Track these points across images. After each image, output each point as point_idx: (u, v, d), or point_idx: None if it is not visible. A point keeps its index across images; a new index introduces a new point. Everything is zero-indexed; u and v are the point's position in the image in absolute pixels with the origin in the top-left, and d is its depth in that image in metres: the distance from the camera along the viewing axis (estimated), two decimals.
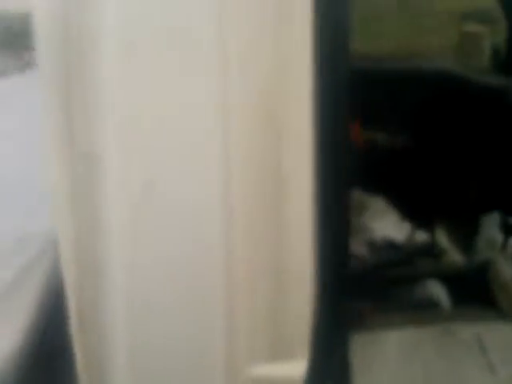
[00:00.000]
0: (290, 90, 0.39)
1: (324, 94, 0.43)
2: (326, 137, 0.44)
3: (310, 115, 0.42)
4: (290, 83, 0.39)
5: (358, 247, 1.60)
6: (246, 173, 0.37)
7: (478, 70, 2.04)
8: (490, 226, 1.47)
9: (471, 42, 2.12)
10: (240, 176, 0.37)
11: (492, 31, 2.05)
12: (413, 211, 1.54)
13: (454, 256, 1.50)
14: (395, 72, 2.04)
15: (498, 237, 1.44)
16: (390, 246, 1.61)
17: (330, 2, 0.44)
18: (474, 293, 1.44)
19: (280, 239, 0.42)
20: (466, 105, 1.98)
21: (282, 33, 0.38)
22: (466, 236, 1.61)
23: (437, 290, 1.42)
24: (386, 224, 1.70)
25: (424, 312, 1.34)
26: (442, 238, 1.58)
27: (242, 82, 0.37)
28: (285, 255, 0.43)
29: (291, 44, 0.39)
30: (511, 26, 1.93)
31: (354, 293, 1.40)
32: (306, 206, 0.42)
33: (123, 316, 0.37)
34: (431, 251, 1.53)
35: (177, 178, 0.36)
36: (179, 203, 0.36)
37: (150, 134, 0.42)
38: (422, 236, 1.56)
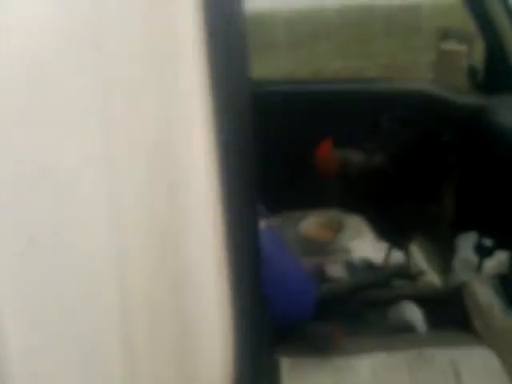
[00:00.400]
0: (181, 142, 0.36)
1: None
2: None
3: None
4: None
5: (335, 268, 1.58)
6: (138, 224, 0.34)
7: (456, 88, 2.05)
8: (466, 247, 1.45)
9: (450, 61, 2.12)
10: (132, 225, 0.34)
11: (470, 50, 2.05)
12: (390, 232, 1.52)
13: (431, 278, 1.48)
14: (373, 92, 2.04)
15: (474, 258, 1.42)
16: (368, 267, 1.59)
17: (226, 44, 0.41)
18: (450, 316, 1.41)
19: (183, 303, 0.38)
20: (444, 124, 1.97)
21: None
22: (443, 257, 1.60)
23: (413, 313, 1.39)
24: (364, 245, 1.68)
25: (399, 336, 1.31)
26: (420, 259, 1.56)
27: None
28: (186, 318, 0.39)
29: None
30: (489, 46, 1.94)
31: (326, 316, 1.38)
32: (209, 261, 0.39)
33: (12, 367, 0.33)
34: (408, 273, 1.51)
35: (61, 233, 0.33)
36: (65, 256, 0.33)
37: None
38: (398, 257, 1.54)
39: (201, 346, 0.39)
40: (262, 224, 1.26)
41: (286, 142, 1.96)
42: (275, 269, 1.25)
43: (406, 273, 1.50)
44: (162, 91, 0.33)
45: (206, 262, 0.38)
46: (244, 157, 0.44)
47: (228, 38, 0.38)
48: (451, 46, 2.09)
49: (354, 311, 1.40)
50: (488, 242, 1.38)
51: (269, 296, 1.26)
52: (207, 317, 0.38)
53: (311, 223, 1.79)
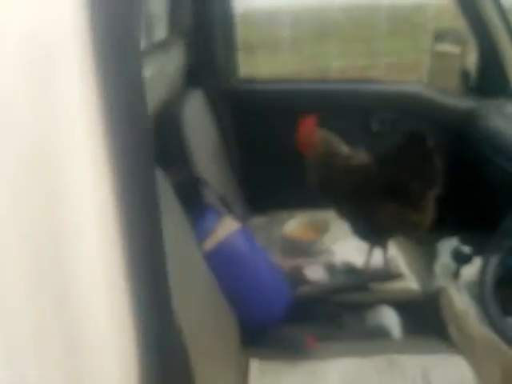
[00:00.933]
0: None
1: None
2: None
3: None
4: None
5: (314, 270, 1.57)
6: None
7: (448, 91, 2.02)
8: (445, 253, 1.43)
9: (443, 63, 2.09)
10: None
11: (464, 52, 2.02)
12: (369, 231, 1.50)
13: (410, 282, 1.46)
14: (365, 94, 2.02)
15: (452, 265, 1.40)
16: (349, 269, 1.57)
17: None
18: (426, 321, 1.39)
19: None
20: (433, 127, 1.95)
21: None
22: (423, 262, 1.58)
23: (389, 318, 1.38)
24: (347, 247, 1.66)
25: (372, 341, 1.29)
26: (400, 264, 1.54)
27: None
28: None
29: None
30: (481, 48, 1.91)
31: (301, 319, 1.37)
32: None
33: None
34: (387, 277, 1.49)
35: None
36: None
37: None
38: (379, 261, 1.52)
39: (97, 361, 0.38)
40: (236, 225, 1.25)
41: (274, 142, 1.95)
42: (248, 270, 1.24)
43: (385, 277, 1.48)
44: (40, 102, 0.32)
45: (95, 274, 0.37)
46: (140, 162, 0.43)
47: (118, 45, 0.37)
48: (445, 47, 2.06)
49: (331, 314, 1.39)
50: (466, 249, 1.35)
51: (241, 298, 1.25)
52: (99, 330, 0.37)
53: (296, 224, 1.77)
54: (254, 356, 1.21)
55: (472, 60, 2.00)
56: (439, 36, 2.13)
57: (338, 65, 6.06)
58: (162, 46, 1.58)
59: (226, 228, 1.19)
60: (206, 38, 1.84)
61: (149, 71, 1.33)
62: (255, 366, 1.20)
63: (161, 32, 1.67)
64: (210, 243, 1.16)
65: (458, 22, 2.27)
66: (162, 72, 1.49)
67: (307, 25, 6.42)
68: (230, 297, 1.17)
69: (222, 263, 1.17)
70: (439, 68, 2.09)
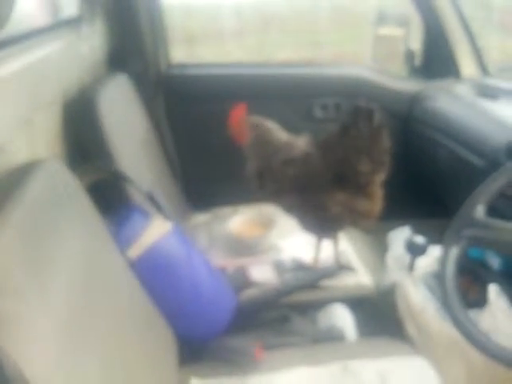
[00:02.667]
0: None
1: None
2: None
3: None
4: None
5: (261, 270, 1.43)
6: None
7: (393, 74, 1.92)
8: (398, 244, 1.32)
9: (386, 46, 2.00)
10: None
11: (407, 34, 1.93)
12: (319, 229, 1.37)
13: (363, 278, 1.35)
14: (306, 77, 1.89)
15: (405, 256, 1.29)
16: (298, 266, 1.44)
17: None
18: (382, 319, 1.29)
19: None
20: (379, 111, 1.84)
21: None
22: (375, 255, 1.47)
23: (342, 317, 1.26)
24: (295, 243, 1.53)
25: (324, 346, 1.17)
26: (351, 258, 1.42)
27: None
28: None
29: None
30: (428, 29, 1.82)
31: (247, 327, 1.23)
32: None
33: None
34: (338, 272, 1.36)
35: None
36: None
37: None
38: (329, 255, 1.40)
39: None
40: (167, 226, 1.09)
41: (214, 132, 1.79)
42: (183, 278, 1.08)
43: (336, 272, 1.35)
44: None
45: None
46: None
47: None
48: (387, 30, 1.96)
49: (279, 318, 1.26)
50: (420, 239, 1.25)
51: (177, 310, 1.10)
52: None
53: (240, 220, 1.63)
54: (195, 374, 1.06)
55: (416, 41, 1.91)
56: (381, 19, 2.04)
57: (283, 55, 5.99)
58: (70, 24, 1.38)
59: (156, 231, 1.03)
60: (128, 18, 1.65)
61: (54, 50, 1.14)
62: None
63: (70, 9, 1.47)
64: (137, 249, 0.99)
65: (398, 8, 2.19)
66: (72, 52, 1.29)
67: (250, 16, 6.30)
68: (165, 310, 1.01)
69: (151, 272, 1.00)
70: (383, 51, 2.00)
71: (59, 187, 0.79)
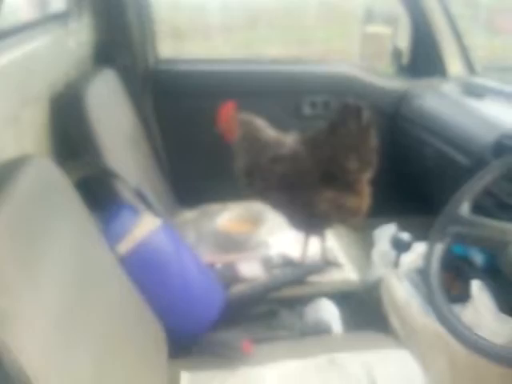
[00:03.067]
0: None
1: None
2: None
3: None
4: None
5: (250, 266, 1.44)
6: None
7: (380, 72, 1.94)
8: (384, 241, 1.34)
9: (374, 44, 2.01)
10: None
11: (395, 33, 1.94)
12: (306, 226, 1.39)
13: (349, 273, 1.36)
14: (294, 74, 1.90)
15: (391, 252, 1.31)
16: (287, 263, 1.45)
17: None
18: (367, 313, 1.30)
19: None
20: (367, 108, 1.86)
21: None
22: (360, 251, 1.48)
23: (329, 312, 1.27)
24: (283, 239, 1.54)
25: (311, 339, 1.18)
26: (337, 253, 1.44)
27: None
28: None
29: None
30: (415, 28, 1.83)
31: (236, 321, 1.24)
32: None
33: None
34: (325, 268, 1.38)
35: None
36: None
37: None
38: (316, 252, 1.42)
39: None
40: (156, 222, 1.09)
41: (202, 128, 1.80)
42: (172, 273, 1.09)
43: (323, 268, 1.37)
44: None
45: None
46: None
47: None
48: (375, 28, 1.98)
49: (267, 312, 1.27)
50: (405, 236, 1.27)
51: (167, 305, 1.10)
52: None
53: (229, 217, 1.64)
54: (185, 368, 1.07)
55: (404, 40, 1.93)
56: (369, 17, 2.05)
57: (270, 52, 5.98)
58: (58, 18, 1.37)
59: (145, 227, 1.03)
60: (116, 12, 1.64)
61: (41, 45, 1.13)
62: (186, 378, 1.06)
63: (58, 3, 1.46)
64: (126, 245, 1.00)
65: (386, 6, 2.20)
66: (59, 47, 1.28)
67: (237, 12, 6.28)
68: (155, 305, 1.02)
69: (141, 267, 1.01)
70: (370, 49, 2.01)
71: (48, 183, 0.78)
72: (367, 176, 1.28)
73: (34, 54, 1.09)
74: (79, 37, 1.44)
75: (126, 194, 1.14)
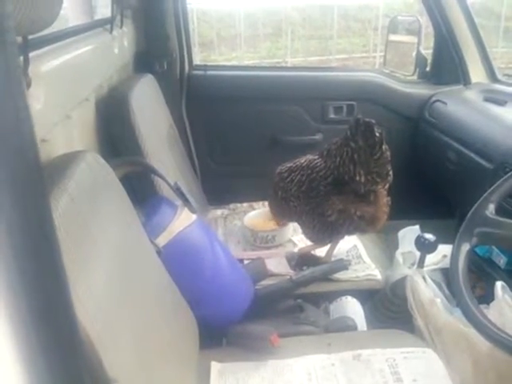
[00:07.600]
0: None
1: None
2: None
3: None
4: None
5: (277, 263, 1.44)
6: None
7: (404, 79, 1.92)
8: (408, 242, 1.33)
9: (398, 52, 2.00)
10: None
11: (419, 41, 1.93)
12: (330, 225, 1.38)
13: (374, 272, 1.35)
14: (322, 81, 1.90)
15: (415, 253, 1.30)
16: (311, 260, 1.45)
17: None
18: (392, 311, 1.29)
19: None
20: (390, 114, 1.85)
21: None
22: (385, 251, 1.47)
23: (354, 309, 1.27)
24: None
25: (337, 335, 1.18)
26: (362, 253, 1.43)
27: None
28: None
29: None
30: (439, 36, 1.82)
31: (264, 315, 1.24)
32: None
33: None
34: (349, 266, 1.37)
35: None
36: None
37: None
38: (341, 250, 1.41)
39: None
40: (193, 217, 1.10)
41: (233, 131, 1.81)
42: (206, 266, 1.10)
43: (347, 266, 1.36)
44: None
45: None
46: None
47: None
48: (399, 37, 1.96)
49: (293, 308, 1.27)
50: (430, 237, 1.25)
51: (200, 296, 1.11)
52: None
53: (257, 215, 1.64)
54: (215, 359, 1.07)
55: (428, 48, 1.92)
56: (393, 26, 2.04)
57: (294, 61, 5.99)
58: (103, 25, 1.40)
59: (182, 221, 1.04)
60: (156, 22, 1.67)
61: (89, 49, 1.16)
62: (216, 368, 1.07)
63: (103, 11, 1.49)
64: (165, 238, 1.01)
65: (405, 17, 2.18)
66: (104, 52, 1.31)
67: (261, 23, 6.32)
68: (188, 296, 1.03)
69: (177, 260, 1.02)
70: (395, 57, 2.00)
71: (98, 177, 0.80)
72: (382, 187, 1.26)
73: (83, 57, 1.11)
74: (121, 43, 1.47)
75: (166, 190, 1.15)
